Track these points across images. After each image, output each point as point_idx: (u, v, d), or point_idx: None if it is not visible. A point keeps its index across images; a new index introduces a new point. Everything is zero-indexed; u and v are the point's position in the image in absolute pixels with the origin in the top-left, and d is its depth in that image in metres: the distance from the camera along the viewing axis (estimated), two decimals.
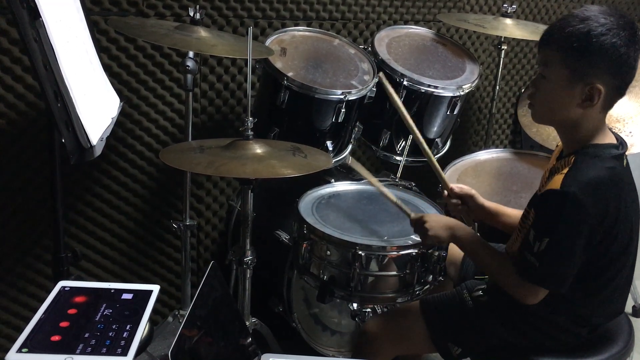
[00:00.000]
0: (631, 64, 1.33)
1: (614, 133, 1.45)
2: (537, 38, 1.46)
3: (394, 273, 1.72)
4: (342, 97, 2.01)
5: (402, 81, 2.18)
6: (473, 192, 1.76)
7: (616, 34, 1.30)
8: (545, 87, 1.40)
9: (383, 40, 2.37)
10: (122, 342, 1.01)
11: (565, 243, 1.34)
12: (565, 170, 1.35)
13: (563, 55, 1.35)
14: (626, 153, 1.44)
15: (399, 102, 1.85)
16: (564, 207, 1.31)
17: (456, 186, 1.79)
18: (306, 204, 1.89)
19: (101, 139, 1.48)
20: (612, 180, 1.35)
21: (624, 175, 1.41)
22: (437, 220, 1.62)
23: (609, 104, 1.38)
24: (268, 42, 2.12)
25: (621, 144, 1.43)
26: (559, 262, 1.36)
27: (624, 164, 1.42)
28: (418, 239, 1.72)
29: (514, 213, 1.71)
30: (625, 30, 1.31)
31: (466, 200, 1.77)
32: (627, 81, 1.36)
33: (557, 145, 1.53)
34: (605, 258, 1.41)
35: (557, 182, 1.33)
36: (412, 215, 1.69)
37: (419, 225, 1.63)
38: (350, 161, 1.84)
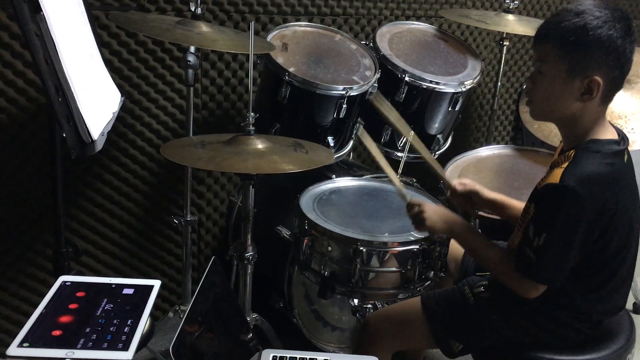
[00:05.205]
0: (627, 56, 1.34)
1: (615, 128, 1.45)
2: None
3: (395, 269, 1.72)
4: (343, 92, 2.00)
5: (404, 77, 2.17)
6: (477, 187, 1.74)
7: (612, 26, 1.31)
8: (543, 83, 1.40)
9: (385, 35, 2.36)
10: (123, 337, 1.01)
11: (562, 238, 1.34)
12: (565, 165, 1.35)
13: (560, 50, 1.35)
14: (628, 149, 1.44)
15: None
16: (563, 201, 1.32)
17: (459, 183, 1.77)
18: (307, 200, 1.89)
19: (102, 134, 1.48)
20: (611, 176, 1.35)
21: (623, 172, 1.41)
22: (436, 211, 1.61)
23: (607, 97, 1.38)
24: (269, 37, 2.11)
25: (623, 139, 1.43)
26: (556, 257, 1.36)
27: (625, 159, 1.42)
28: (419, 235, 1.72)
29: (519, 205, 1.70)
30: (620, 23, 1.32)
31: (470, 196, 1.76)
32: (624, 73, 1.36)
33: (560, 141, 1.53)
34: (605, 254, 1.41)
35: (556, 176, 1.33)
36: (409, 198, 1.67)
37: (416, 212, 1.61)
38: (361, 132, 1.80)
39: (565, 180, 1.31)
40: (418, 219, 1.61)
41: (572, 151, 1.39)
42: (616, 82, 1.37)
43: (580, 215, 1.32)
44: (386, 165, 1.76)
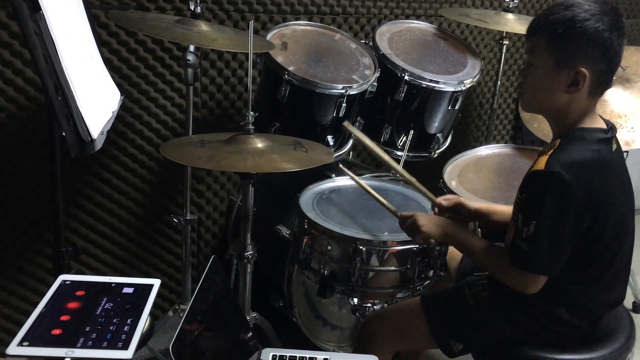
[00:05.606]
0: (615, 49, 1.35)
1: (604, 119, 1.46)
2: None
3: (395, 268, 1.72)
4: (343, 91, 2.00)
5: (404, 76, 2.17)
6: (461, 199, 1.74)
7: (599, 19, 1.32)
8: (533, 74, 1.42)
9: (384, 34, 2.36)
10: (123, 336, 1.01)
11: (552, 224, 1.34)
12: (550, 152, 1.37)
13: (548, 42, 1.37)
14: (628, 149, 1.44)
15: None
16: (549, 187, 1.32)
17: (443, 199, 1.76)
18: (307, 199, 1.89)
19: (102, 133, 1.48)
20: (596, 162, 1.36)
21: (610, 159, 1.41)
22: (429, 218, 1.62)
23: (596, 90, 1.39)
24: (269, 36, 2.11)
25: (611, 128, 1.44)
26: (548, 245, 1.36)
27: (613, 148, 1.43)
28: None
29: (505, 209, 1.70)
30: (608, 16, 1.33)
31: (456, 209, 1.74)
32: (612, 66, 1.37)
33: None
34: (599, 243, 1.41)
35: (541, 163, 1.35)
36: (400, 213, 1.66)
37: (409, 223, 1.61)
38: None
39: (550, 166, 1.32)
40: (413, 228, 1.60)
41: (557, 140, 1.41)
42: (604, 76, 1.38)
43: (569, 199, 1.32)
44: (371, 190, 1.80)
